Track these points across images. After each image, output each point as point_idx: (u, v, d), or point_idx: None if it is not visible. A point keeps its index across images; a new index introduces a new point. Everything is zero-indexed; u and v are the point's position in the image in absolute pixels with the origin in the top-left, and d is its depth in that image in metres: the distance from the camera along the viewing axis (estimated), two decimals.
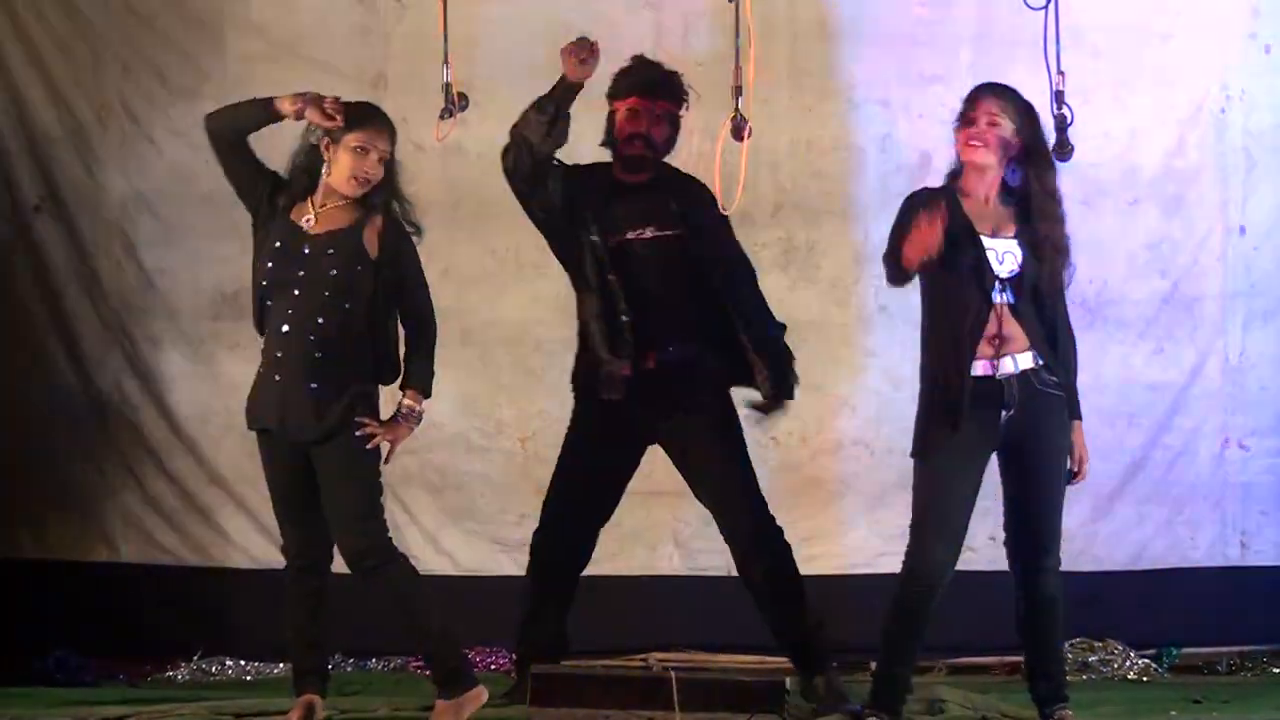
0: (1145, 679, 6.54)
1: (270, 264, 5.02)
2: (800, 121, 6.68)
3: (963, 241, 4.98)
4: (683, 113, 5.57)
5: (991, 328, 4.99)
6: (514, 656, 5.94)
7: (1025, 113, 5.11)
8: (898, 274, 5.03)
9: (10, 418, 6.70)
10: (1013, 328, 5.00)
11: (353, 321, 5.01)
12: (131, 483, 6.77)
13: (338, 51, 6.66)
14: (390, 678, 6.47)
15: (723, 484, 5.48)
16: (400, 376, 5.12)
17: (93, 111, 6.74)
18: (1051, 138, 5.23)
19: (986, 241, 5.01)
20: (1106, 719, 5.54)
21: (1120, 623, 6.64)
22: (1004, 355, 5.00)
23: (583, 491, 5.58)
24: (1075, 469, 5.11)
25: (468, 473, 6.74)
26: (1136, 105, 6.68)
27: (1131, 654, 6.61)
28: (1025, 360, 5.01)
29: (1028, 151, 5.06)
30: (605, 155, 5.57)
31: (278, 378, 5.00)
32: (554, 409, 6.31)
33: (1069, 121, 5.31)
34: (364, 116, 5.10)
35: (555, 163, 5.48)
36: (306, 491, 5.06)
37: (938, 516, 5.03)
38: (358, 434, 4.96)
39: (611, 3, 6.66)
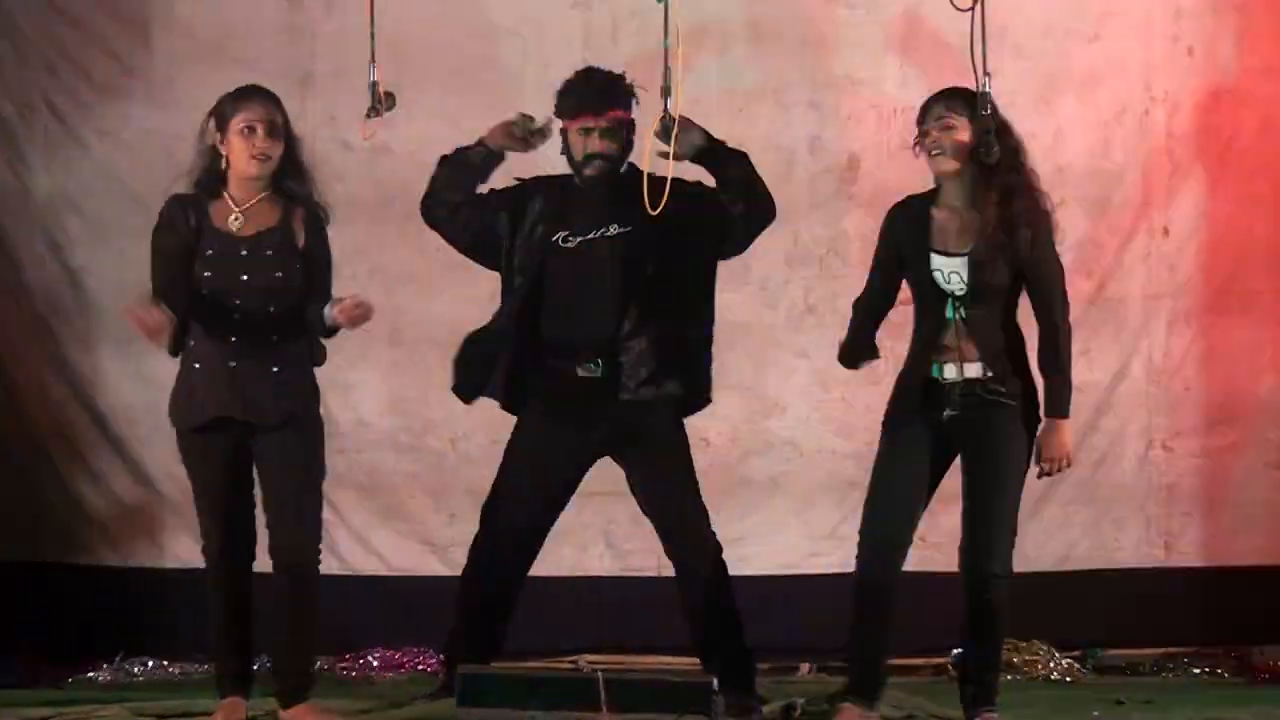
0: (1069, 679, 6.56)
1: (208, 273, 5.04)
2: (729, 122, 6.58)
3: (915, 261, 5.11)
4: (633, 113, 5.52)
5: (946, 339, 5.08)
6: (442, 656, 5.86)
7: (973, 103, 5.16)
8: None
9: None
10: (965, 340, 5.07)
11: (297, 311, 5.09)
12: (54, 482, 6.64)
13: (265, 50, 6.65)
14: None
15: (675, 504, 5.42)
16: (322, 354, 5.24)
17: (16, 110, 6.63)
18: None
19: (936, 260, 5.09)
20: None
21: (1046, 623, 6.63)
22: (949, 362, 5.07)
23: (533, 500, 5.49)
24: (1049, 468, 5.10)
25: (397, 473, 6.71)
26: (1062, 107, 6.75)
27: (1056, 655, 6.61)
28: (972, 370, 5.06)
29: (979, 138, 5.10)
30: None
31: (233, 363, 5.00)
32: (484, 409, 6.23)
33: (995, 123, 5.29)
34: (240, 97, 5.18)
35: (517, 182, 5.52)
36: (243, 488, 5.06)
37: (872, 510, 5.17)
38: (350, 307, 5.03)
39: (541, 3, 6.59)
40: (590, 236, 5.44)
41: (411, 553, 6.71)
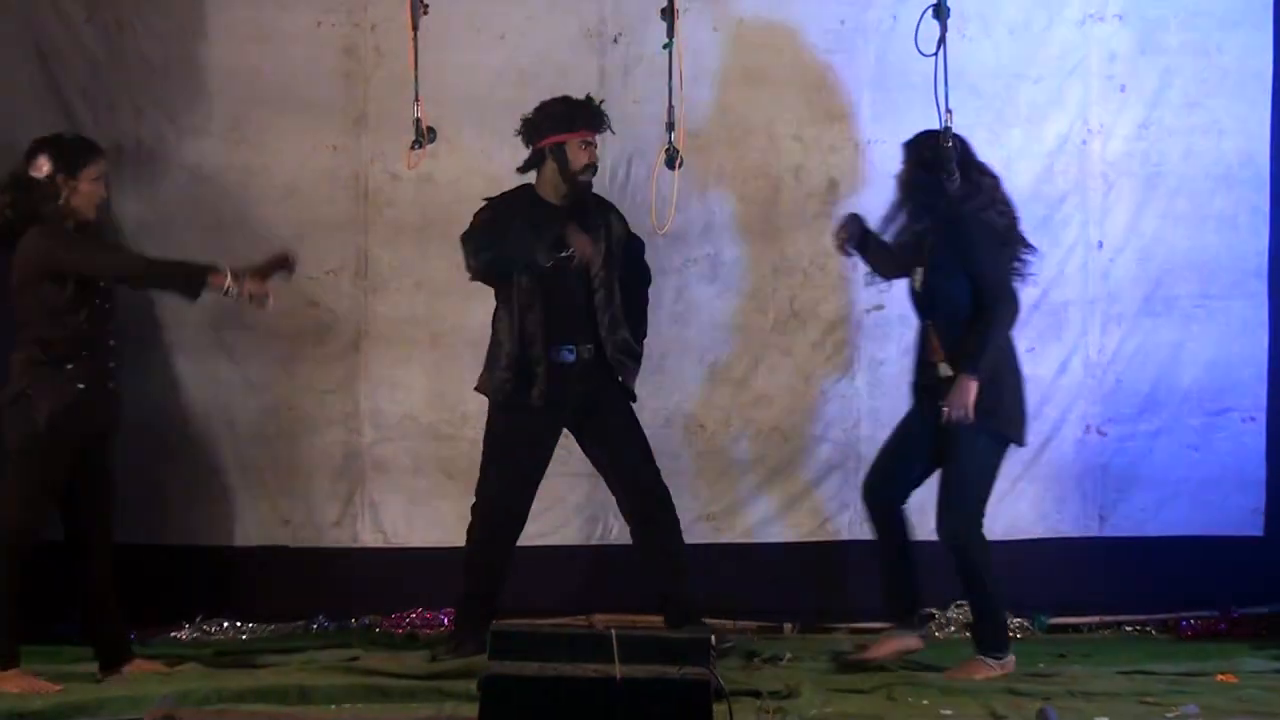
0: (1019, 636, 6.52)
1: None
2: (725, 152, 6.60)
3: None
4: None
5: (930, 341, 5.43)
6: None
7: (906, 145, 5.41)
8: None
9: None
10: (935, 340, 5.39)
11: None
12: (141, 472, 6.56)
13: (324, 94, 6.57)
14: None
15: (635, 464, 5.42)
16: None
17: (112, 148, 6.53)
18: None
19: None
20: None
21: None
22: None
23: (522, 472, 5.70)
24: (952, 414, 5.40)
25: (436, 458, 6.62)
26: (1011, 138, 6.70)
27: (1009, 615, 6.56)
28: (945, 369, 5.39)
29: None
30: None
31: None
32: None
33: (956, 153, 5.25)
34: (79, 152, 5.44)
35: (484, 202, 5.61)
36: None
37: None
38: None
39: (562, 50, 6.61)
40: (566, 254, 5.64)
41: (448, 527, 6.61)
